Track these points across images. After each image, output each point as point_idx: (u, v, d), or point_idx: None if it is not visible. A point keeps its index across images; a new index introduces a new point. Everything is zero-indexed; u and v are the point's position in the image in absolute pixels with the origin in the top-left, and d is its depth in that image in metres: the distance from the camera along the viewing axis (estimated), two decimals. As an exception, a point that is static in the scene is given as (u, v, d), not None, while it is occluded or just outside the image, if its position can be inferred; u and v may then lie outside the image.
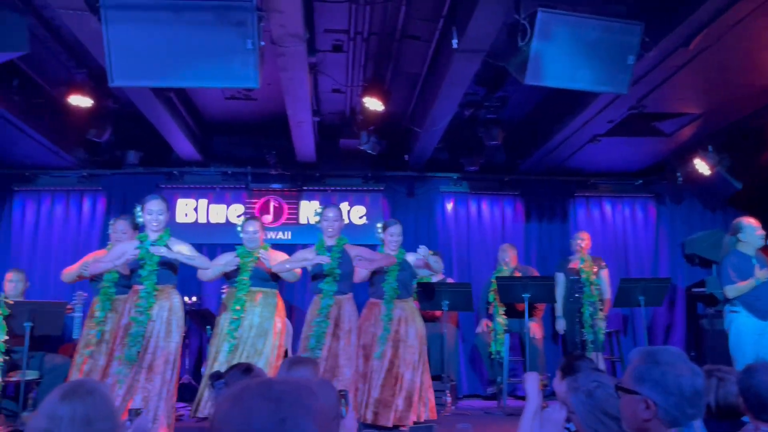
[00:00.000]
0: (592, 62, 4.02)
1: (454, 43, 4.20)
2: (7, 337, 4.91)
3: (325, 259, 4.62)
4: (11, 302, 5.02)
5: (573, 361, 2.57)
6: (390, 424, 4.60)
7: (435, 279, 6.01)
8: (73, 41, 4.74)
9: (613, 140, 6.37)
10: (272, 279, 4.89)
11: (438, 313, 5.91)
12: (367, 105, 5.50)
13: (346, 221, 7.19)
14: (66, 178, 7.24)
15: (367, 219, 7.38)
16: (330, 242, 4.80)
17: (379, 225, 5.20)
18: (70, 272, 5.17)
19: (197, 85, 4.95)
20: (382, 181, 7.51)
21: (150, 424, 3.93)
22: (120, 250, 4.55)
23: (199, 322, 6.21)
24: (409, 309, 4.98)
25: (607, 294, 6.29)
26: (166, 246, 4.42)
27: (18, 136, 6.00)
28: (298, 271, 4.91)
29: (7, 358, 4.91)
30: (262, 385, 1.00)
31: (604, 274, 6.36)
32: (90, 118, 5.95)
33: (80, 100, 5.41)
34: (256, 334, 4.66)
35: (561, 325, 6.35)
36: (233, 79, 3.85)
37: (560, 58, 3.92)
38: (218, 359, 4.63)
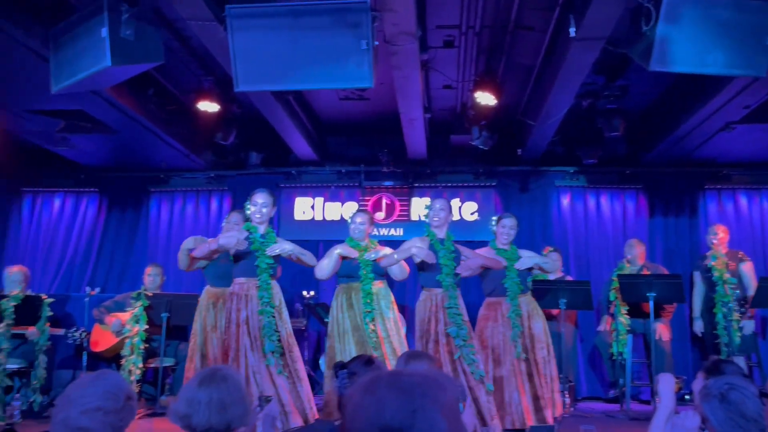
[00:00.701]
0: (724, 44, 3.71)
1: (572, 31, 4.03)
2: (147, 327, 5.36)
3: (431, 258, 4.54)
4: (150, 294, 5.47)
5: (719, 363, 2.41)
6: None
7: (552, 276, 5.84)
8: (201, 50, 5.07)
9: (750, 127, 5.87)
10: (384, 271, 4.96)
11: (555, 311, 5.74)
12: (478, 100, 5.42)
13: (458, 217, 7.17)
14: (196, 179, 7.76)
15: (478, 215, 7.29)
16: (440, 234, 4.72)
17: (493, 218, 5.17)
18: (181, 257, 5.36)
19: (315, 87, 5.11)
20: (493, 176, 7.39)
21: (279, 410, 4.11)
22: (228, 237, 4.78)
23: (317, 315, 6.42)
24: (531, 303, 4.97)
25: (752, 290, 5.66)
26: (277, 241, 4.62)
27: (154, 141, 6.50)
28: (407, 268, 4.89)
29: (146, 345, 5.36)
30: (393, 376, 1.03)
31: (746, 268, 5.83)
32: (217, 122, 6.32)
33: (208, 106, 5.77)
34: (391, 325, 4.74)
35: (698, 327, 5.94)
36: (349, 80, 3.93)
37: (689, 42, 3.66)
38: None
